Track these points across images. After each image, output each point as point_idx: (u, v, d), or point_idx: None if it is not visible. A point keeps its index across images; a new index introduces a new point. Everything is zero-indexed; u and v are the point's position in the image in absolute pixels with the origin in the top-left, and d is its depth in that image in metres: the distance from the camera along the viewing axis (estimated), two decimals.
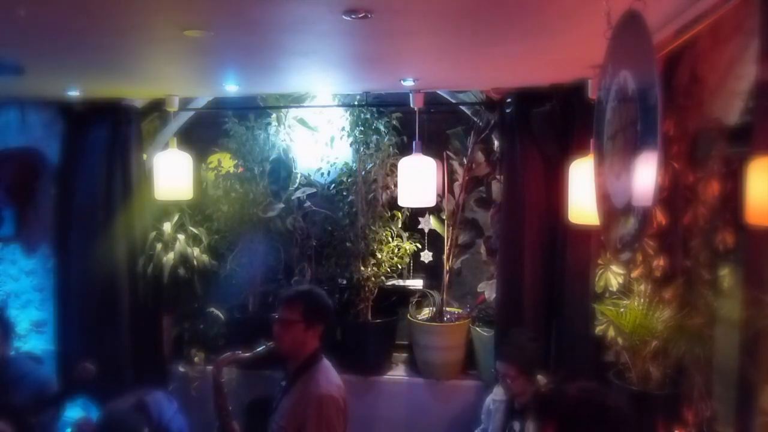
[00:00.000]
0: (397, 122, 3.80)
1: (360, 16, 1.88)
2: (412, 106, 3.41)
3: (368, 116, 3.78)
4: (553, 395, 1.91)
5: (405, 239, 3.96)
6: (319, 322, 2.60)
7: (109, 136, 3.82)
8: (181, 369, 4.08)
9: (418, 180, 3.37)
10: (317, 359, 2.59)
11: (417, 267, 4.14)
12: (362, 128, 3.78)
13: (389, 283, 4.04)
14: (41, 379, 3.22)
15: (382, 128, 3.79)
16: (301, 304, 2.60)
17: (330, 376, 2.58)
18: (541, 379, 3.03)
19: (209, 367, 4.00)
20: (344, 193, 3.90)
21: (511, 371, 2.97)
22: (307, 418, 2.40)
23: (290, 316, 2.57)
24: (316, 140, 3.97)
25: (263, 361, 2.72)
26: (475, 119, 3.87)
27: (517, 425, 3.01)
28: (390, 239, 3.92)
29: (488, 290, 3.83)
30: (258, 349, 2.66)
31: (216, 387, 2.69)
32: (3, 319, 3.27)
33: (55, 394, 3.12)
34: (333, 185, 3.99)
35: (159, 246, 3.96)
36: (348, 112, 3.85)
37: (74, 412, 3.36)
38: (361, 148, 3.81)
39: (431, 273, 4.13)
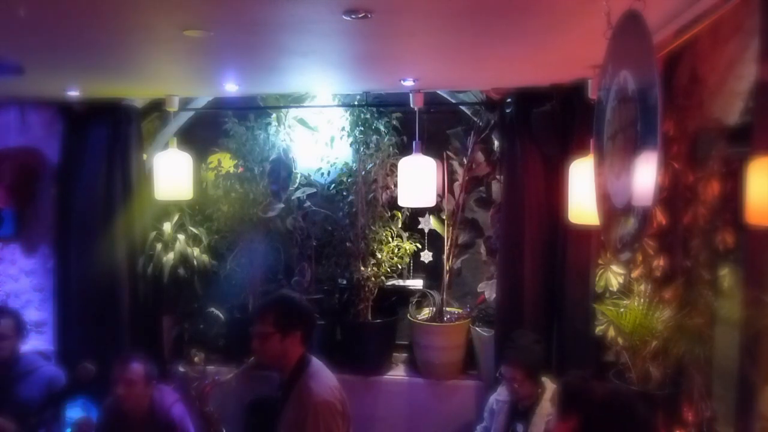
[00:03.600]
0: (397, 122, 3.80)
1: (360, 16, 1.88)
2: (412, 106, 3.42)
3: (368, 116, 3.77)
4: (583, 391, 1.89)
5: (405, 239, 3.96)
6: (296, 329, 2.46)
7: (109, 136, 3.82)
8: (181, 369, 4.07)
9: (418, 180, 3.37)
10: (305, 365, 2.47)
11: (417, 267, 4.14)
12: (362, 128, 3.78)
13: (389, 283, 4.03)
14: (51, 373, 3.34)
15: (382, 128, 3.78)
16: (272, 314, 2.47)
17: (322, 379, 2.46)
18: (546, 381, 3.01)
19: (209, 367, 4.01)
20: (344, 193, 3.90)
21: (518, 375, 2.94)
22: (306, 430, 2.33)
23: (264, 329, 2.44)
24: (316, 140, 3.96)
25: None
26: (475, 119, 3.86)
27: (520, 427, 2.99)
28: (390, 239, 3.92)
29: (488, 290, 3.83)
30: (237, 370, 2.59)
31: (204, 417, 2.61)
32: (15, 315, 3.37)
33: (63, 389, 3.20)
34: (333, 185, 3.99)
35: (159, 246, 3.97)
36: (348, 112, 3.85)
37: (74, 412, 3.38)
38: (361, 148, 3.80)
39: (431, 273, 4.12)
